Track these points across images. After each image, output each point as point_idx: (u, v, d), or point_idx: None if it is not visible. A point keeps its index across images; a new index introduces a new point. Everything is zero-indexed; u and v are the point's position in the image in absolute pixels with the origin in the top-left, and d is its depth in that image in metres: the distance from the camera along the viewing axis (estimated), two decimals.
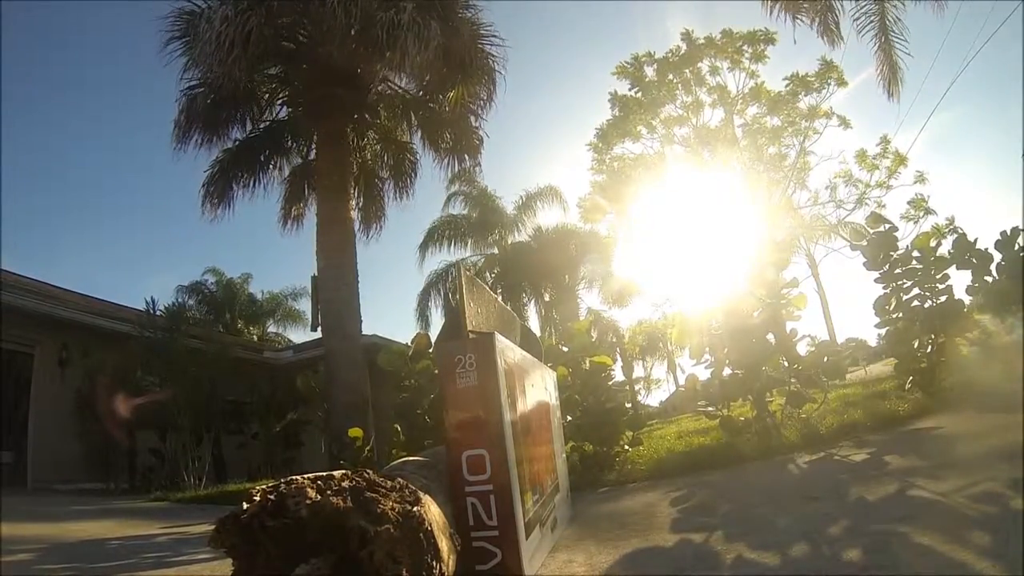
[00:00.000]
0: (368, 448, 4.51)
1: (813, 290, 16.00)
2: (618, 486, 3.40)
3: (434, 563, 1.12)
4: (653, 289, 18.64)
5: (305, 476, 1.06)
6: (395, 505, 1.08)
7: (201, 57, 7.39)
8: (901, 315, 4.01)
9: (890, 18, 8.64)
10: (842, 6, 8.97)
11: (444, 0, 8.07)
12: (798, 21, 8.89)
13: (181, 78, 8.46)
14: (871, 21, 8.70)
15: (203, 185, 9.69)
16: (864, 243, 4.22)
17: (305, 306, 19.74)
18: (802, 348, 3.79)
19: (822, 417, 3.78)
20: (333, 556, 0.97)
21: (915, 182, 14.88)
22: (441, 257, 18.49)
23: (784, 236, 13.22)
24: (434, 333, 4.50)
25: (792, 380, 3.67)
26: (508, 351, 1.77)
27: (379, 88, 9.17)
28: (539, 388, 2.27)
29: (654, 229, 16.39)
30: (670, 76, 15.78)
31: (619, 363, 20.84)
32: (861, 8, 8.67)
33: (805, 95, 15.40)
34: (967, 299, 4.09)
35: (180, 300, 16.51)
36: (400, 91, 9.71)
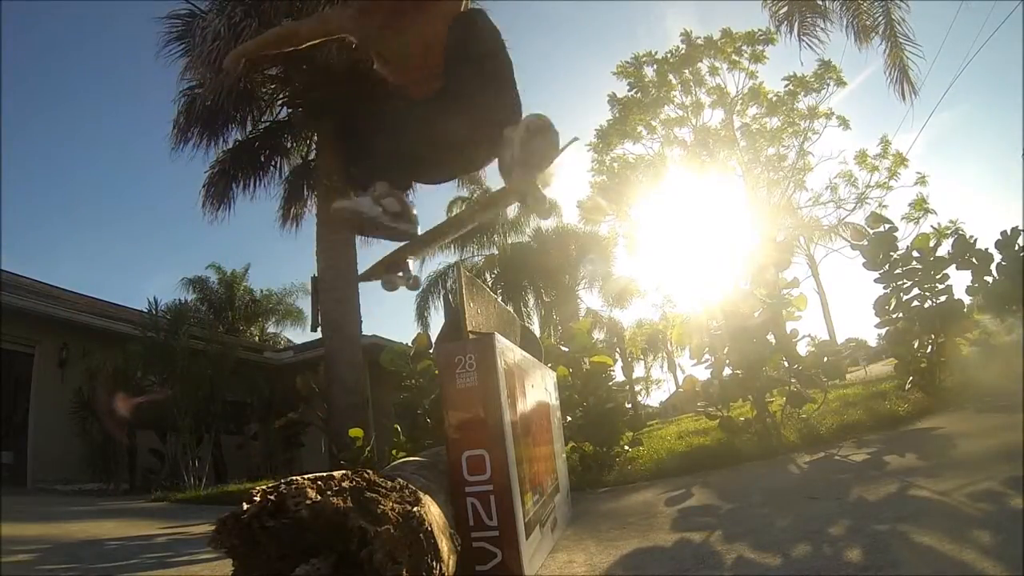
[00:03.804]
0: (368, 448, 4.51)
1: (813, 290, 16.00)
2: (618, 486, 3.40)
3: (434, 563, 1.12)
4: (653, 290, 18.65)
5: (305, 476, 1.06)
6: (395, 505, 1.08)
7: (196, 69, 7.43)
8: (901, 315, 4.01)
9: (895, 17, 8.67)
10: (838, 6, 9.03)
11: None
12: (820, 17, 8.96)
13: (181, 78, 8.48)
14: (879, 22, 8.73)
15: (203, 186, 9.69)
16: (864, 243, 4.22)
17: (305, 305, 19.76)
18: (802, 348, 3.80)
19: (822, 417, 3.78)
20: (333, 556, 0.97)
21: (916, 183, 14.90)
22: (441, 259, 18.49)
23: (784, 236, 13.22)
24: (433, 334, 4.50)
25: (792, 380, 3.67)
26: (508, 351, 1.77)
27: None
28: (539, 388, 2.27)
29: (654, 230, 16.40)
30: (670, 76, 15.78)
31: (619, 363, 20.86)
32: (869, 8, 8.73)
33: (804, 95, 15.40)
34: (967, 299, 4.09)
35: (182, 298, 16.52)
36: None
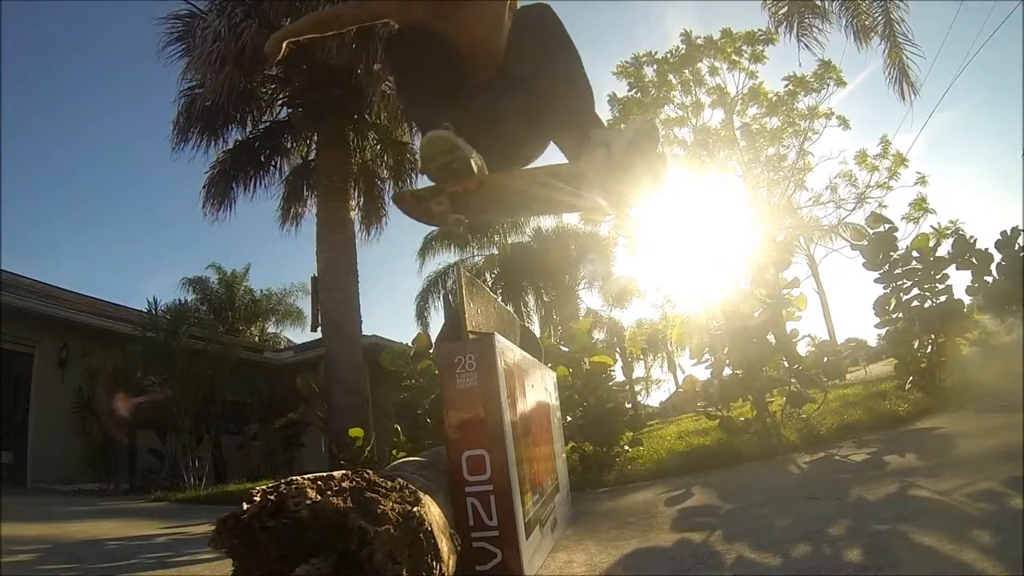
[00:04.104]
0: (368, 448, 4.51)
1: (813, 290, 16.01)
2: (618, 486, 3.40)
3: (434, 563, 1.12)
4: (653, 290, 18.65)
5: (305, 476, 1.06)
6: (395, 505, 1.08)
7: (197, 69, 7.44)
8: (901, 315, 4.01)
9: (895, 17, 8.68)
10: (835, 6, 9.05)
11: None
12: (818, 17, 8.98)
13: (181, 79, 8.49)
14: (878, 21, 8.74)
15: (204, 187, 9.70)
16: (864, 243, 4.22)
17: (305, 305, 19.78)
18: (802, 348, 3.80)
19: (822, 417, 3.78)
20: (333, 556, 0.97)
21: (916, 183, 14.90)
22: (441, 259, 18.49)
23: (784, 236, 13.22)
24: (433, 334, 4.50)
25: (792, 380, 3.67)
26: (508, 351, 1.77)
27: (378, 89, 9.19)
28: (539, 388, 2.27)
29: (654, 230, 16.40)
30: (670, 76, 15.78)
31: (619, 363, 20.85)
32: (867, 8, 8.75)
33: (804, 95, 15.39)
34: (967, 299, 4.09)
35: (182, 298, 16.55)
36: None
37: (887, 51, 8.92)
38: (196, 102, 8.54)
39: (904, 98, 9.22)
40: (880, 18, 8.87)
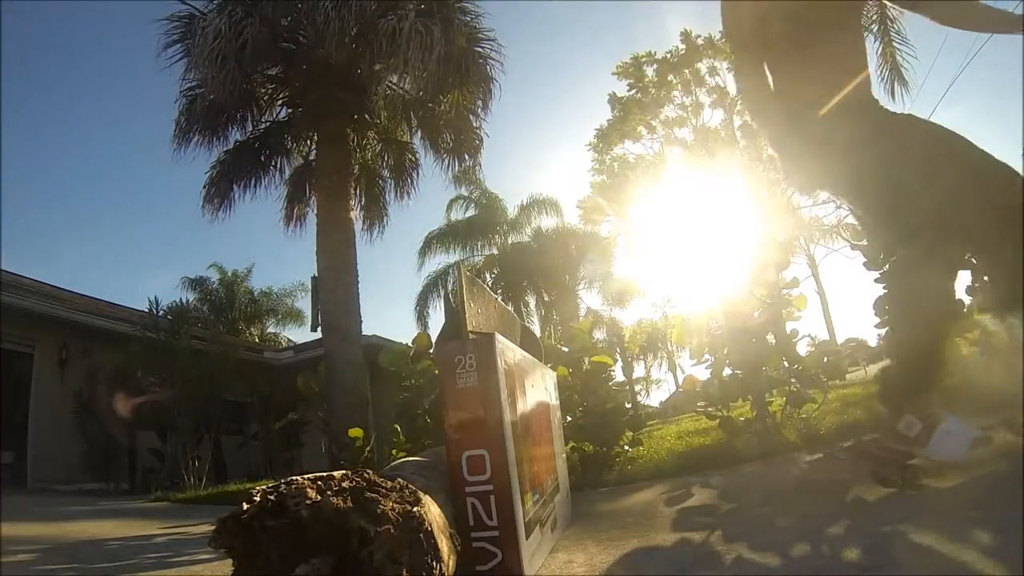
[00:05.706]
0: (368, 448, 4.51)
1: (813, 290, 16.04)
2: (618, 486, 3.40)
3: (434, 563, 1.12)
4: (653, 289, 18.68)
5: (305, 476, 1.06)
6: (395, 505, 1.08)
7: (197, 69, 7.45)
8: None
9: (891, 16, 8.68)
10: None
11: (441, 2, 8.09)
12: None
13: (182, 79, 8.49)
14: (872, 20, 8.75)
15: (204, 187, 9.70)
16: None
17: (305, 305, 19.80)
18: (802, 348, 3.79)
19: (822, 417, 3.78)
20: (333, 556, 0.97)
21: None
22: (441, 259, 18.50)
23: (784, 236, 13.23)
24: (433, 334, 4.50)
25: (792, 380, 3.67)
26: (508, 351, 1.77)
27: (379, 88, 9.19)
28: (539, 388, 2.27)
29: (654, 229, 16.42)
30: (670, 77, 15.80)
31: (619, 363, 20.83)
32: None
33: None
34: (967, 299, 4.08)
35: (183, 298, 16.58)
36: (400, 91, 9.73)
37: (880, 50, 8.94)
38: (197, 102, 8.55)
39: (894, 97, 9.25)
40: (875, 16, 8.87)
